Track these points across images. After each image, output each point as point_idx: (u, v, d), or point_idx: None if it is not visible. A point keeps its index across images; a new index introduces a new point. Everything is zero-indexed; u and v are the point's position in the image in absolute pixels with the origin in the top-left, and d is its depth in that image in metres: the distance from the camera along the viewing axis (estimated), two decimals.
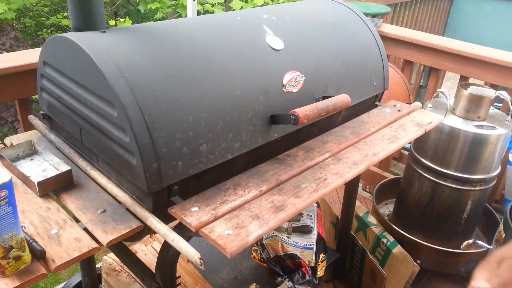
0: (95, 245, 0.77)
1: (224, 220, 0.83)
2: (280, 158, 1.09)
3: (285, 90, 1.10)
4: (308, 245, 1.59)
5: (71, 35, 0.91)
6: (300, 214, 1.72)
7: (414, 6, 3.97)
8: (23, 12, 6.18)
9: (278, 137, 1.10)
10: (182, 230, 0.85)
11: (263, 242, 1.57)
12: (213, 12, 4.04)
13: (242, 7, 3.98)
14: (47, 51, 1.02)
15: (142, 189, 0.85)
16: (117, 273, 1.40)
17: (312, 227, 1.65)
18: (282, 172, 1.03)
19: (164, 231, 0.80)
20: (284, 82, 1.10)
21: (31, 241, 0.73)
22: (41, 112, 1.13)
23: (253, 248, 1.63)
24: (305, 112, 1.01)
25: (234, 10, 3.90)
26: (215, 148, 0.94)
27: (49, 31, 6.23)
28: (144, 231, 0.89)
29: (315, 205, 1.81)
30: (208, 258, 1.63)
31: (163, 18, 4.79)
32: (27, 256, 0.71)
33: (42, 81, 1.08)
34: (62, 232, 0.79)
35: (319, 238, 1.62)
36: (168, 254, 0.97)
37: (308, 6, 1.40)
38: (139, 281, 1.38)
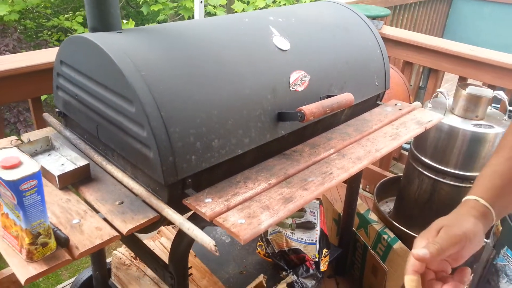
0: (115, 233, 0.81)
1: (236, 210, 0.88)
2: (287, 154, 1.14)
3: (291, 89, 1.14)
4: (312, 240, 1.63)
5: (89, 35, 0.95)
6: (304, 211, 1.76)
7: (413, 9, 4.03)
8: (23, 14, 6.22)
9: (285, 133, 1.14)
10: (195, 220, 0.89)
11: (268, 237, 1.61)
12: (215, 14, 4.10)
13: (243, 9, 4.03)
14: (64, 50, 1.07)
15: (158, 182, 0.90)
16: (127, 267, 1.44)
17: (315, 223, 1.70)
18: (290, 167, 1.07)
19: (180, 221, 0.85)
20: (291, 81, 1.14)
21: (55, 229, 0.77)
22: (57, 110, 1.18)
23: (258, 243, 1.67)
24: (311, 109, 1.06)
25: (235, 12, 3.95)
26: (226, 144, 0.98)
27: (49, 32, 6.27)
28: (159, 221, 0.93)
29: (318, 202, 1.85)
30: (221, 252, 1.68)
31: (165, 20, 4.84)
32: (53, 243, 0.75)
33: (59, 80, 1.12)
34: (83, 222, 0.84)
35: (322, 234, 1.67)
36: (182, 245, 1.01)
37: (312, 8, 1.45)
38: (149, 275, 1.42)
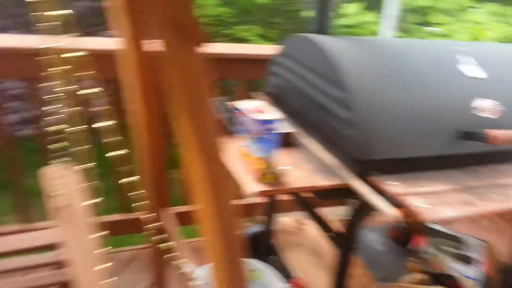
0: (315, 183, 1.04)
1: (416, 196, 1.00)
2: (467, 170, 1.19)
3: (480, 114, 1.18)
4: (468, 274, 1.60)
5: (312, 36, 1.23)
6: (462, 243, 1.73)
7: None
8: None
9: (467, 152, 1.19)
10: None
11: (424, 256, 1.64)
12: None
13: None
14: (286, 45, 1.38)
15: (351, 157, 1.08)
16: (289, 234, 1.67)
17: (475, 259, 1.65)
18: (469, 180, 1.13)
19: (365, 191, 1.02)
20: (479, 106, 1.18)
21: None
22: (267, 90, 1.50)
23: (411, 259, 1.71)
24: (495, 134, 1.11)
25: None
26: (412, 143, 1.11)
27: (222, 39, 7.13)
28: (342, 191, 1.10)
29: (483, 244, 1.78)
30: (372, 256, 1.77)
31: None
32: (275, 174, 1.01)
33: (274, 68, 1.43)
34: (294, 170, 1.09)
35: (486, 275, 1.60)
36: (358, 216, 1.16)
37: (505, 47, 1.48)
38: (307, 245, 1.61)
